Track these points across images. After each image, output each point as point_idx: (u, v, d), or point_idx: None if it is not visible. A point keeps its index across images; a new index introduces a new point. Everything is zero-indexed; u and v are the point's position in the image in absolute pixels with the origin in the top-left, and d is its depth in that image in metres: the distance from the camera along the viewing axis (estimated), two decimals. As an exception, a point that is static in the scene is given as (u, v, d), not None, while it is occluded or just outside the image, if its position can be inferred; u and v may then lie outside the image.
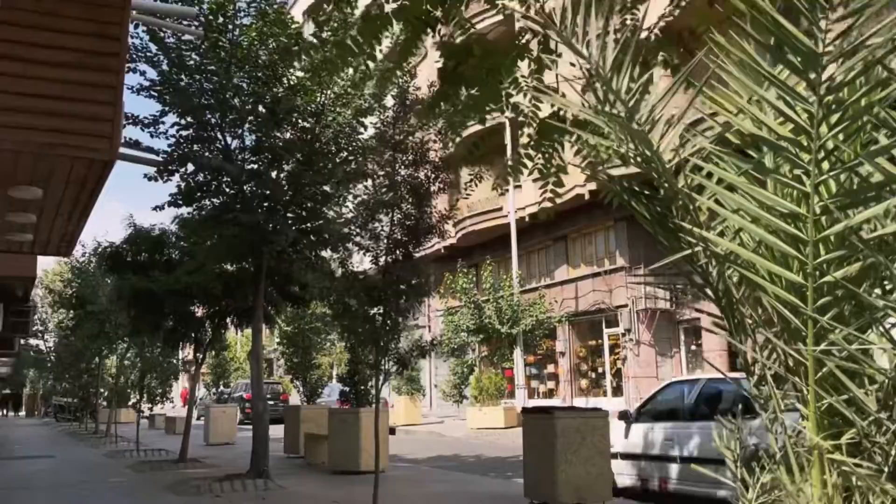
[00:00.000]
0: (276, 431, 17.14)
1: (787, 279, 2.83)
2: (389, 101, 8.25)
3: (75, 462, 16.88)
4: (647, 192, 3.28)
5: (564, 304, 29.16)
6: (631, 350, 26.78)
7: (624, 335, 27.10)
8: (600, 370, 28.91)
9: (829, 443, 2.76)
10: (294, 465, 14.98)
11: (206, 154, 12.05)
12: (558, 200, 5.77)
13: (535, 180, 5.59)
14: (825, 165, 2.68)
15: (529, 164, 5.20)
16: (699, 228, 2.98)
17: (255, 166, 12.65)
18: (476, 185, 8.97)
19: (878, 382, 2.77)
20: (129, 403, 30.87)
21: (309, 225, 12.84)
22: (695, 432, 9.27)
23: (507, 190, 31.37)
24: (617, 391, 27.76)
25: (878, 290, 2.82)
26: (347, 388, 13.67)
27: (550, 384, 31.45)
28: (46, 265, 49.62)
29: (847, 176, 2.74)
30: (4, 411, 58.94)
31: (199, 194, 12.76)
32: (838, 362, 2.79)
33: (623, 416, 10.55)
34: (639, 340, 26.60)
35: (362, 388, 13.71)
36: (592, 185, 26.94)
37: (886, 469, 2.69)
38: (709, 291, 3.23)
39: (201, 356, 16.08)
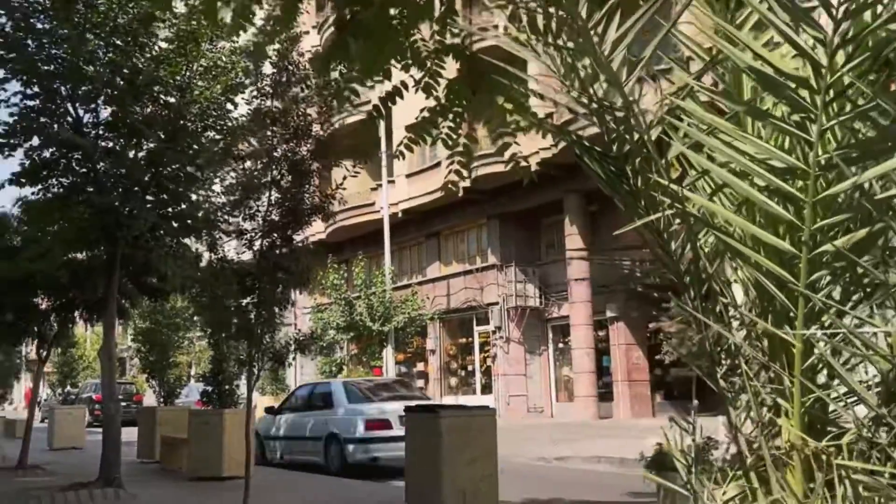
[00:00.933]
0: (129, 435, 15.83)
1: (776, 248, 2.36)
2: (268, 69, 7.44)
3: None
4: (599, 149, 2.77)
5: (436, 302, 28.84)
6: (501, 348, 26.76)
7: (494, 333, 27.05)
8: (470, 368, 28.77)
9: (822, 444, 2.31)
10: (149, 472, 13.80)
11: (55, 127, 10.75)
12: (463, 178, 5.17)
13: (447, 158, 4.99)
14: (831, 109, 2.23)
15: (434, 131, 4.60)
16: (669, 185, 2.47)
17: (111, 143, 11.46)
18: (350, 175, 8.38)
19: (881, 372, 2.35)
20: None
21: (171, 209, 11.76)
22: (306, 419, 14.27)
23: (380, 185, 30.90)
24: (486, 389, 27.70)
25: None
26: (210, 388, 12.63)
27: (420, 382, 31.05)
28: None
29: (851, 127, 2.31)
30: None
31: (45, 172, 11.41)
32: (838, 347, 2.35)
33: (269, 410, 15.87)
34: (508, 338, 26.61)
35: (226, 387, 12.72)
36: (466, 182, 26.70)
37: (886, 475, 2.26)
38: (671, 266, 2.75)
39: (45, 353, 14.54)
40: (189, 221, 11.83)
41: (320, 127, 7.14)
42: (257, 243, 7.31)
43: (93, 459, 16.28)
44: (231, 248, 8.19)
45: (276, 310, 7.41)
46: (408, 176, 30.00)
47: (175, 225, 11.76)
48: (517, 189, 25.40)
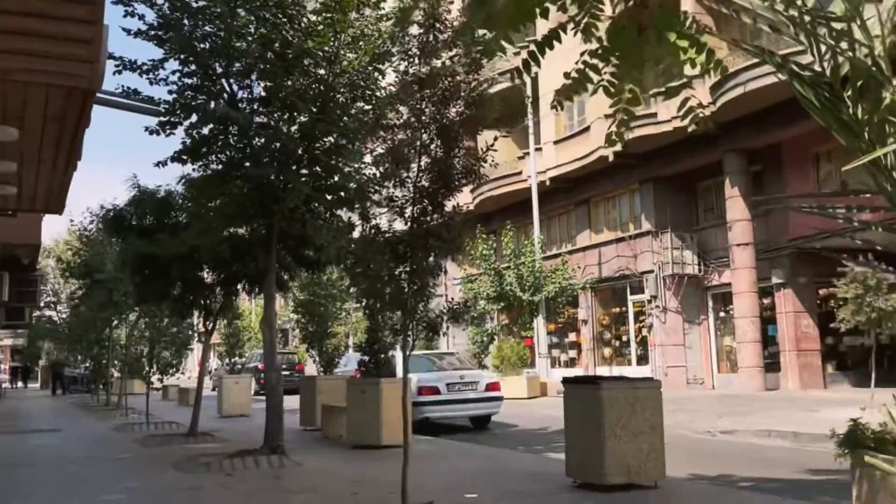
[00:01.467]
0: (292, 403, 16.44)
1: None
2: (414, 30, 7.21)
3: (82, 436, 16.16)
4: (812, 71, 2.30)
5: (587, 271, 28.20)
6: (657, 317, 25.84)
7: (649, 302, 26.15)
8: (624, 338, 28.00)
9: None
10: (311, 439, 14.16)
11: (212, 104, 11.04)
12: (630, 128, 4.71)
13: (611, 107, 4.54)
14: None
15: (595, 77, 4.17)
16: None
17: (265, 118, 11.67)
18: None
19: None
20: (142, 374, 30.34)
21: (324, 182, 11.86)
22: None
23: (527, 153, 30.48)
24: (642, 360, 26.89)
25: None
26: (367, 358, 12.77)
27: (572, 353, 30.61)
28: (57, 234, 49.11)
29: None
30: (18, 383, 58.81)
31: (204, 149, 11.79)
32: None
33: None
34: (665, 307, 25.64)
35: (382, 357, 12.81)
36: (617, 147, 25.82)
37: None
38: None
39: (212, 325, 15.20)
40: (342, 193, 11.89)
41: (469, 88, 6.83)
42: (408, 211, 7.13)
43: (259, 427, 16.94)
44: (384, 218, 8.08)
45: (429, 279, 7.22)
46: (555, 143, 29.41)
47: (329, 197, 11.84)
48: (672, 151, 24.42)
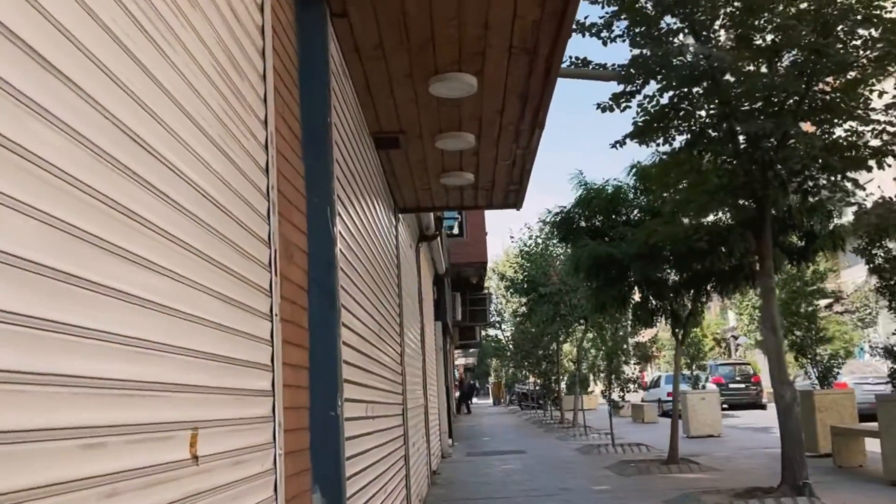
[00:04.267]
0: (753, 419, 13.60)
1: None
2: None
3: (548, 459, 15.05)
4: None
5: None
6: None
7: None
8: None
9: None
10: (824, 471, 11.21)
11: (674, 60, 8.90)
12: None
13: None
14: None
15: None
16: None
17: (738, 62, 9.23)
18: None
19: None
20: (589, 390, 29.48)
21: (827, 137, 9.04)
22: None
23: None
24: None
25: None
26: (904, 364, 9.56)
27: None
28: (495, 255, 51.52)
29: None
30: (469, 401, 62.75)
31: (661, 123, 9.73)
32: None
33: None
34: None
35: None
36: None
37: None
38: None
39: (682, 333, 13.02)
40: (852, 151, 8.96)
41: None
42: None
43: (742, 451, 14.50)
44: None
45: None
46: None
47: (835, 158, 8.98)
48: None
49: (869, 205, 9.60)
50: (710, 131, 9.37)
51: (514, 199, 7.47)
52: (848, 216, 12.21)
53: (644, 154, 11.37)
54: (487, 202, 7.62)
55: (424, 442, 11.30)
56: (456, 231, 21.03)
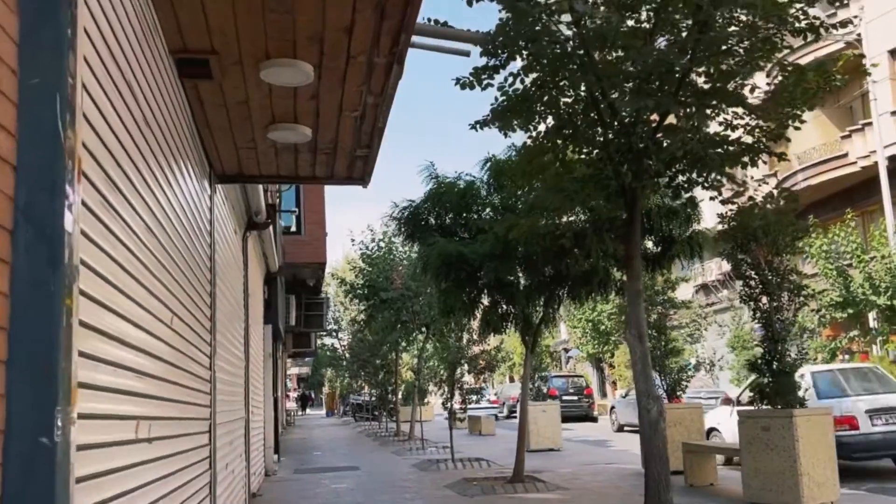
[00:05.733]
0: (588, 432, 13.02)
1: None
2: None
3: (384, 476, 13.77)
4: None
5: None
6: None
7: None
8: None
9: None
10: (676, 490, 10.56)
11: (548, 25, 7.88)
12: None
13: None
14: None
15: None
16: None
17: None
18: None
19: None
20: (426, 401, 28.40)
21: (699, 129, 8.33)
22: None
23: (857, 129, 25.24)
24: None
25: None
26: (765, 380, 9.00)
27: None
28: (335, 261, 49.79)
29: None
30: (300, 411, 61.26)
31: (525, 107, 8.74)
32: None
33: None
34: None
35: (783, 378, 8.96)
36: None
37: None
38: None
39: (532, 340, 12.13)
40: (726, 147, 8.29)
41: None
42: None
43: (587, 468, 13.82)
44: None
45: None
46: (894, 114, 23.90)
47: (714, 151, 8.26)
48: None
49: (757, 197, 9.00)
50: (579, 116, 8.46)
51: (360, 169, 6.15)
52: (706, 222, 11.75)
53: (501, 146, 10.40)
54: (328, 172, 6.25)
55: (243, 461, 9.73)
56: (294, 228, 19.46)
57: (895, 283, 21.49)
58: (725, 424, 12.55)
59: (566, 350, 49.36)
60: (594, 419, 30.73)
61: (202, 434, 5.69)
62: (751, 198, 9.13)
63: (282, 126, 5.08)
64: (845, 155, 25.95)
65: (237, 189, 8.88)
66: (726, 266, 9.62)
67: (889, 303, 21.51)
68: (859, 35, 25.28)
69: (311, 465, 16.22)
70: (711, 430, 13.03)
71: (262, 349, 13.98)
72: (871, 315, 22.34)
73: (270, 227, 11.81)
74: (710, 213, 12.56)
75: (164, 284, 4.06)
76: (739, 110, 8.32)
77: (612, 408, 26.64)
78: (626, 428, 23.99)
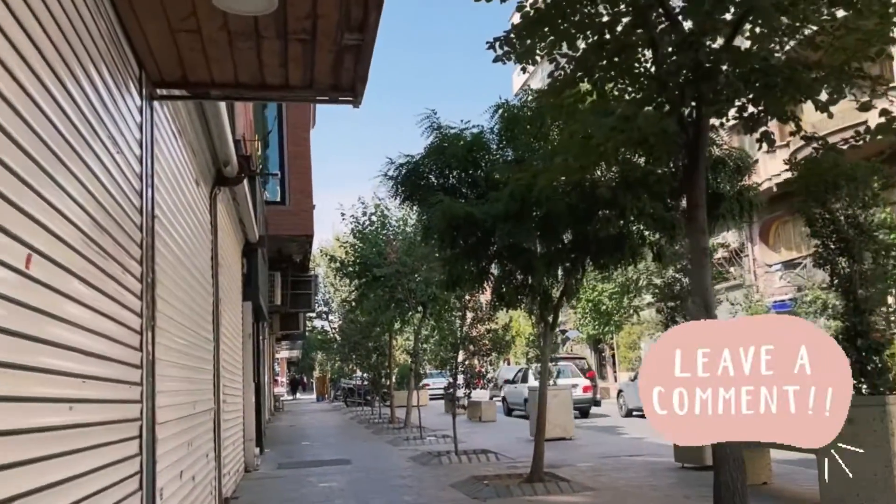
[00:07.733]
0: (593, 417, 11.50)
1: None
2: None
3: (379, 472, 12.11)
4: None
5: None
6: None
7: None
8: None
9: None
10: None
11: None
12: None
13: None
14: None
15: None
16: None
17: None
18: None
19: None
20: (422, 384, 26.74)
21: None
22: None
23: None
24: None
25: None
26: (849, 359, 7.41)
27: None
28: (324, 239, 47.90)
29: None
30: (295, 395, 60.00)
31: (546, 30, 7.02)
32: None
33: None
34: None
35: (872, 356, 7.33)
36: None
37: None
38: None
39: (552, 316, 10.44)
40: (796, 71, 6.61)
41: None
42: None
43: (608, 461, 12.24)
44: None
45: None
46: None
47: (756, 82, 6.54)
48: None
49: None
50: (623, 35, 6.74)
51: (350, 72, 4.41)
52: (757, 176, 10.07)
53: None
54: (306, 79, 4.50)
55: (211, 462, 8.04)
56: (278, 199, 17.73)
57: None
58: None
59: (563, 331, 47.78)
60: (597, 403, 29.15)
61: (134, 439, 4.02)
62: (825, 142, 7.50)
63: (232, -17, 3.35)
64: (864, 122, 24.28)
65: (197, 127, 7.14)
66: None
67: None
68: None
69: (297, 459, 14.56)
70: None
71: (239, 329, 12.26)
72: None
73: (246, 186, 10.08)
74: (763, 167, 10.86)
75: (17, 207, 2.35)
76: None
77: (620, 392, 25.08)
78: (634, 413, 22.45)
